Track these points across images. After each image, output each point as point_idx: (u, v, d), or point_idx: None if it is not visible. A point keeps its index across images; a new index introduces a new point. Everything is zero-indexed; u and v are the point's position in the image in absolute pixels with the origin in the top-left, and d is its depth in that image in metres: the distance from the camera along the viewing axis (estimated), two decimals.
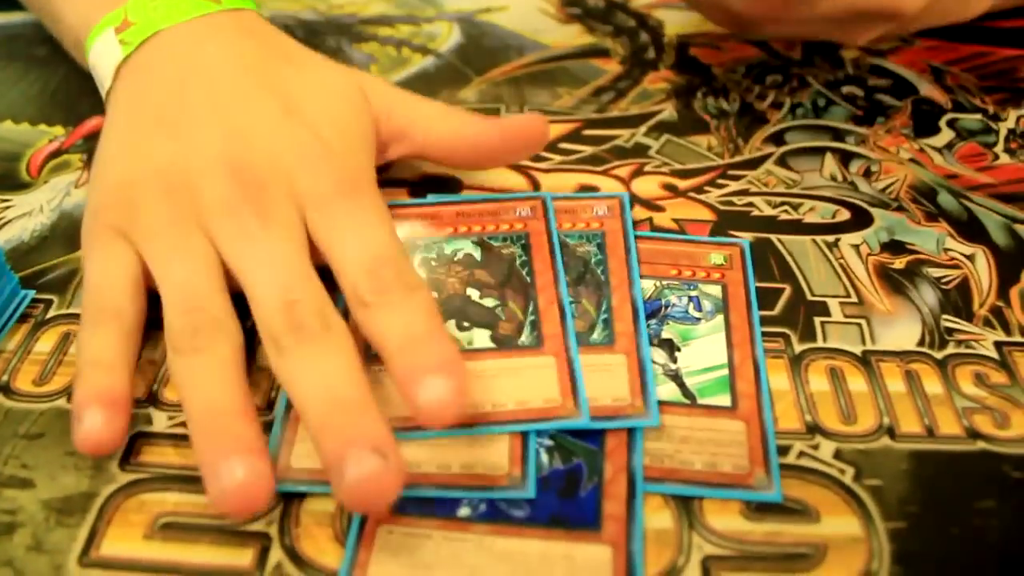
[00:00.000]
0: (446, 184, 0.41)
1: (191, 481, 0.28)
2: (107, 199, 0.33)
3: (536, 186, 0.41)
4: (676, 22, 0.54)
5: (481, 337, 0.32)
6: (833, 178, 0.41)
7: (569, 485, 0.28)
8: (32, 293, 0.35)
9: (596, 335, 0.33)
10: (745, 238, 0.37)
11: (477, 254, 0.36)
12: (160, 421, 0.30)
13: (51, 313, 0.35)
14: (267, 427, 0.30)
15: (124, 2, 0.38)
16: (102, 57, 0.38)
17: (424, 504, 0.28)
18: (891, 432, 0.30)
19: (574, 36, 0.53)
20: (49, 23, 0.47)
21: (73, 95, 0.48)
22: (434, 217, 0.38)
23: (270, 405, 0.31)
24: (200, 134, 0.33)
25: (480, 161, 0.40)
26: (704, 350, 0.32)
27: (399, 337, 0.29)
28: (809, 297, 0.35)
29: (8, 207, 0.40)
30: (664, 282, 0.35)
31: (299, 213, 0.32)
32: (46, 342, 0.33)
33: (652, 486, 0.28)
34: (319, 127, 0.34)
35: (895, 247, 0.37)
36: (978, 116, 0.45)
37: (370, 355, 0.31)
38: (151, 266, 0.31)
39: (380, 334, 0.29)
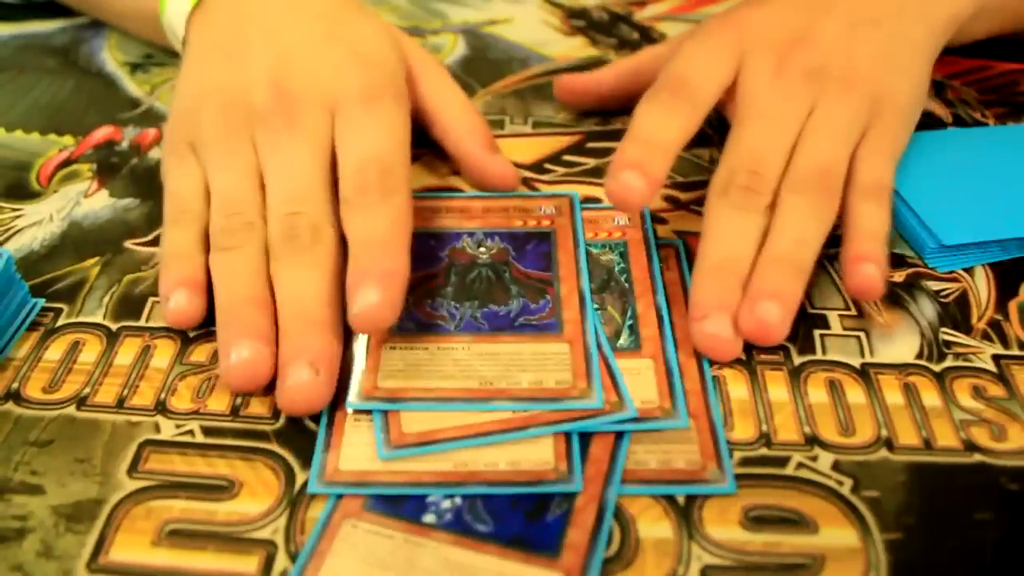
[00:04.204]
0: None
1: (198, 488, 0.29)
2: (178, 118, 0.38)
3: None
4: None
5: None
6: None
7: (538, 508, 0.28)
8: (42, 302, 0.36)
9: (623, 340, 0.33)
10: None
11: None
12: (168, 429, 0.31)
13: (60, 321, 0.35)
14: (283, 432, 0.30)
15: None
16: (175, 15, 0.43)
17: (393, 504, 0.28)
18: (889, 444, 0.30)
19: (578, 48, 0.54)
20: (108, 6, 0.53)
21: (82, 106, 0.48)
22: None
23: (276, 414, 0.31)
24: (251, 58, 0.38)
25: (461, 167, 0.42)
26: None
27: (358, 240, 0.33)
28: (809, 310, 0.35)
29: (19, 216, 0.41)
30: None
31: (330, 121, 0.36)
32: (56, 350, 0.34)
33: None
34: (357, 47, 0.39)
35: (895, 260, 0.37)
36: None
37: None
38: (207, 175, 0.36)
39: (348, 234, 0.33)
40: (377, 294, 0.31)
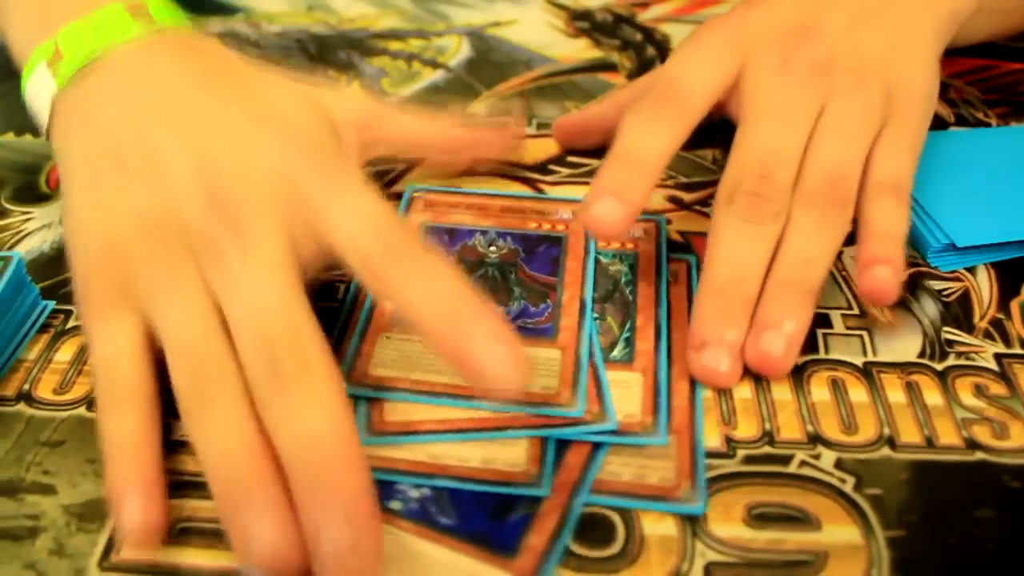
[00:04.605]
0: None
1: (207, 487, 0.29)
2: (95, 263, 0.31)
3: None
4: (682, 36, 0.54)
5: None
6: None
7: (503, 508, 0.28)
8: (52, 304, 0.36)
9: (617, 352, 0.33)
10: None
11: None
12: (177, 429, 0.31)
13: (71, 323, 0.35)
14: None
15: (55, 32, 0.35)
16: (37, 94, 0.35)
17: None
18: (891, 442, 0.30)
19: (582, 50, 0.54)
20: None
21: None
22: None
23: None
24: (169, 167, 0.31)
25: (453, 153, 0.42)
26: None
27: (432, 308, 0.28)
28: None
29: (29, 219, 0.41)
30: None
31: (285, 219, 0.30)
32: (66, 352, 0.34)
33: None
34: (287, 128, 0.33)
35: None
36: None
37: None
38: (153, 326, 0.29)
39: (408, 305, 0.28)
40: (503, 348, 0.27)
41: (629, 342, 0.34)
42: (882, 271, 0.32)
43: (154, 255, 0.30)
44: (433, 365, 0.32)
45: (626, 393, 0.32)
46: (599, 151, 0.44)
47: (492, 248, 0.38)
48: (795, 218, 0.34)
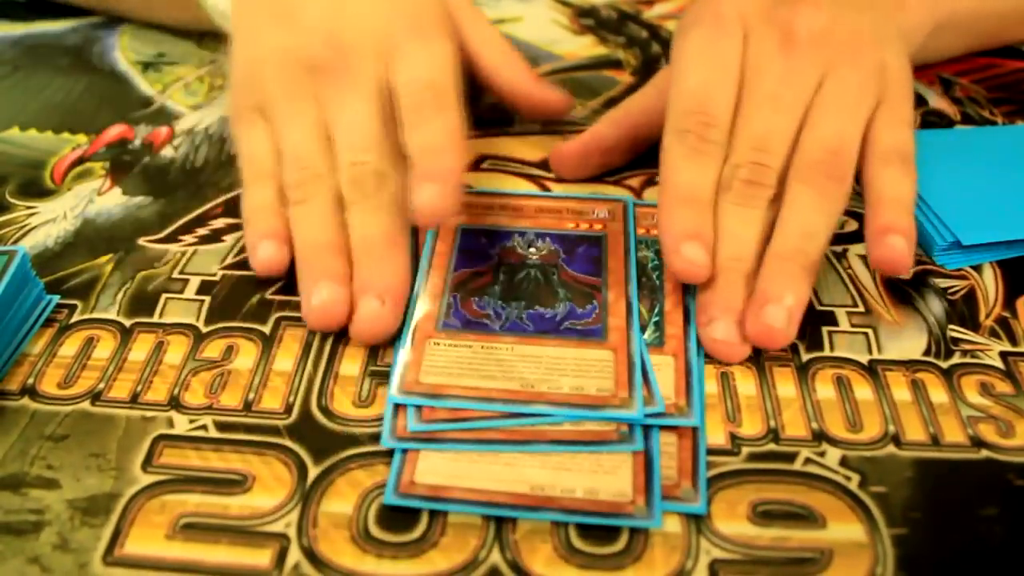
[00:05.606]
0: None
1: (211, 483, 0.29)
2: (240, 86, 0.40)
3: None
4: None
5: None
6: None
7: None
8: (56, 298, 0.36)
9: (647, 336, 0.34)
10: None
11: None
12: (181, 424, 0.31)
13: (75, 318, 0.35)
14: (272, 430, 0.31)
15: None
16: None
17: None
18: (896, 440, 0.30)
19: (587, 47, 0.54)
20: None
21: (95, 104, 0.49)
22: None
23: (288, 409, 0.32)
24: (303, 16, 0.39)
25: (511, 100, 0.44)
26: None
27: (416, 151, 0.35)
28: (817, 307, 0.35)
29: (33, 214, 0.41)
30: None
31: (385, 67, 0.38)
32: (70, 346, 0.34)
33: None
34: (403, 2, 0.40)
35: None
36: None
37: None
38: (276, 135, 0.38)
39: (409, 151, 0.35)
40: (434, 189, 0.33)
41: (659, 326, 0.34)
42: (896, 240, 0.33)
43: (280, 80, 0.38)
44: (483, 370, 0.32)
45: (659, 376, 0.32)
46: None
47: (532, 249, 0.37)
48: (794, 192, 0.34)
